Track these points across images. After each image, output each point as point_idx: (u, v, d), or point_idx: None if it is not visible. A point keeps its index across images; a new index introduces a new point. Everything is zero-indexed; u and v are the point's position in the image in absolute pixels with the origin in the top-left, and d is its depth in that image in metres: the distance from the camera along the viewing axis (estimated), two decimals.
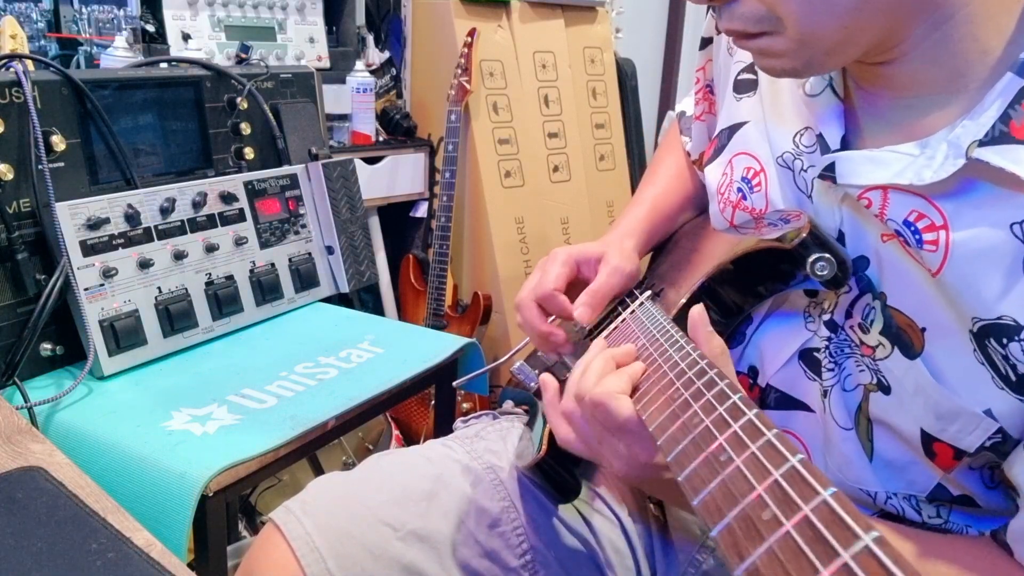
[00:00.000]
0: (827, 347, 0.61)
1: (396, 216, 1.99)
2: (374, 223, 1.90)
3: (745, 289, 0.62)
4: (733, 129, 0.71)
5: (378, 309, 1.99)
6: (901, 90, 0.55)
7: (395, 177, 1.88)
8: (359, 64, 1.77)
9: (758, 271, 0.61)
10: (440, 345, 1.04)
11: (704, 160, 0.77)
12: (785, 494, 0.34)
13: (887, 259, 0.56)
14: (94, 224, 0.89)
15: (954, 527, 0.58)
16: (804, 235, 0.56)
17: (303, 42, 1.68)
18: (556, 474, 0.69)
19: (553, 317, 0.74)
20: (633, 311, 0.71)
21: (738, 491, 0.36)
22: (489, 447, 0.76)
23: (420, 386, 1.01)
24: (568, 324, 0.77)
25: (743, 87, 0.72)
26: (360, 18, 1.82)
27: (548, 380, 0.62)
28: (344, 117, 1.78)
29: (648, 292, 0.73)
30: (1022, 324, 0.48)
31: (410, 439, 1.90)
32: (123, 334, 0.90)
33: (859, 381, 0.59)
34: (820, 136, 0.60)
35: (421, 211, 1.99)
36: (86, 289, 0.88)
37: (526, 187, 1.97)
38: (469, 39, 1.81)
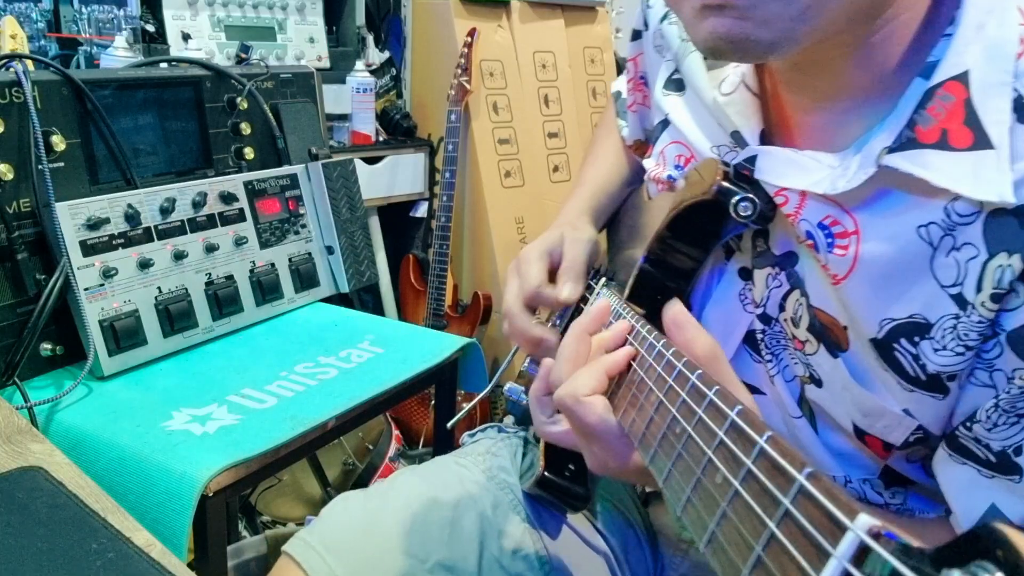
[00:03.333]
0: (763, 338, 0.61)
1: (396, 216, 1.99)
2: (374, 223, 1.90)
3: (687, 250, 0.63)
4: (665, 123, 0.71)
5: (378, 309, 1.99)
6: (828, 97, 0.55)
7: (395, 177, 1.88)
8: (359, 64, 1.77)
9: (692, 229, 0.61)
10: (440, 345, 1.04)
11: (646, 154, 0.77)
12: (731, 452, 0.33)
13: (805, 261, 0.56)
14: (94, 224, 0.89)
15: (915, 509, 0.58)
16: (719, 180, 0.56)
17: (303, 42, 1.68)
18: (561, 489, 0.68)
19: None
20: (592, 302, 0.71)
21: (694, 462, 0.36)
22: (502, 464, 0.75)
23: (420, 386, 1.01)
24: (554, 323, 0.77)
25: (676, 86, 0.71)
26: (360, 18, 1.82)
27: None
28: (344, 117, 1.78)
29: (603, 279, 0.73)
30: (931, 322, 0.49)
31: (410, 439, 1.90)
32: (123, 334, 0.90)
33: (795, 373, 0.59)
34: (735, 133, 0.60)
35: (421, 211, 1.99)
36: (86, 289, 0.88)
37: (526, 187, 1.97)
38: (469, 39, 1.81)
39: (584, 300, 0.75)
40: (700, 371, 0.40)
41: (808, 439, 0.60)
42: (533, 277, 0.72)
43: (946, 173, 0.46)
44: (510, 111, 1.94)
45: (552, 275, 0.74)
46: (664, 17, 0.72)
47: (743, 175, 0.56)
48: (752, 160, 0.56)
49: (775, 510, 0.29)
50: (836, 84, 0.53)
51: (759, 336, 0.62)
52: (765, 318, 0.60)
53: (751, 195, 0.55)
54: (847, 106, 0.54)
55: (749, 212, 0.55)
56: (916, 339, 0.50)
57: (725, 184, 0.55)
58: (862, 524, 0.25)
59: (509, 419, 0.84)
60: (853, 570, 0.24)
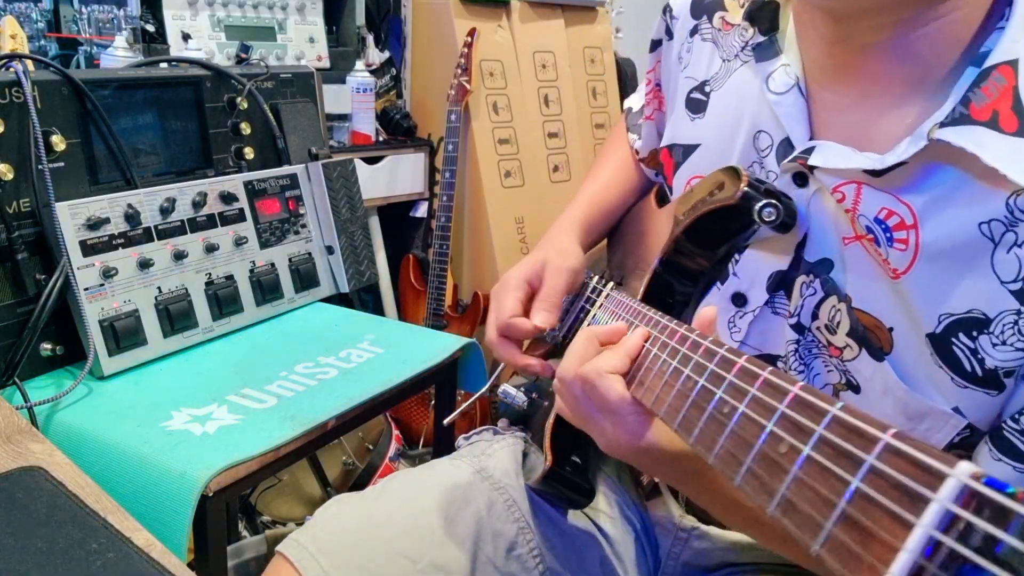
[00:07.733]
0: (796, 349, 0.61)
1: (396, 216, 1.99)
2: (374, 223, 1.90)
3: (701, 254, 0.64)
4: (688, 149, 0.71)
5: (378, 309, 1.99)
6: (865, 86, 0.55)
7: (395, 177, 1.88)
8: (359, 64, 1.77)
9: (710, 233, 0.62)
10: (440, 345, 1.04)
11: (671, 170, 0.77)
12: (795, 423, 0.35)
13: (851, 261, 0.56)
14: (94, 224, 0.89)
15: None
16: (744, 187, 0.57)
17: (303, 42, 1.68)
18: (567, 483, 0.69)
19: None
20: (602, 305, 0.72)
21: (750, 435, 0.38)
22: (498, 464, 0.75)
23: (420, 386, 1.01)
24: (547, 338, 0.78)
25: (695, 106, 0.71)
26: (360, 18, 1.82)
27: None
28: (344, 117, 1.78)
29: (610, 284, 0.74)
30: (991, 317, 0.49)
31: (410, 439, 1.90)
32: (123, 334, 0.90)
33: (828, 381, 0.59)
34: (787, 139, 0.60)
35: (421, 211, 1.99)
36: (86, 289, 0.88)
37: (526, 187, 1.97)
38: (469, 39, 1.81)
39: (591, 301, 0.75)
40: (748, 356, 0.42)
41: None
42: (506, 309, 0.75)
43: (996, 154, 0.47)
44: (510, 111, 1.94)
45: (531, 300, 0.76)
46: (695, 31, 0.73)
47: (764, 187, 0.57)
48: (808, 151, 0.57)
49: (857, 468, 0.31)
50: (877, 78, 0.54)
51: (781, 357, 0.62)
52: (799, 327, 0.61)
53: (776, 202, 0.56)
54: (884, 100, 0.54)
55: (773, 217, 0.56)
56: (975, 334, 0.50)
57: (750, 189, 0.57)
58: (963, 470, 0.26)
59: (503, 422, 0.84)
60: (960, 511, 0.25)
